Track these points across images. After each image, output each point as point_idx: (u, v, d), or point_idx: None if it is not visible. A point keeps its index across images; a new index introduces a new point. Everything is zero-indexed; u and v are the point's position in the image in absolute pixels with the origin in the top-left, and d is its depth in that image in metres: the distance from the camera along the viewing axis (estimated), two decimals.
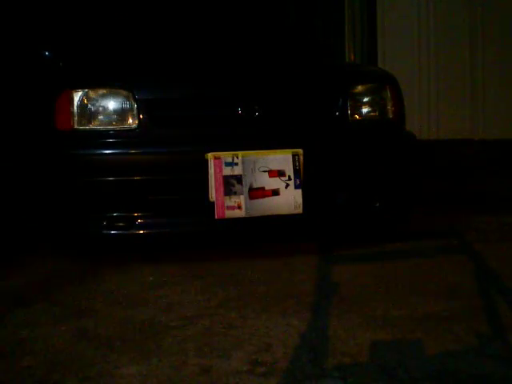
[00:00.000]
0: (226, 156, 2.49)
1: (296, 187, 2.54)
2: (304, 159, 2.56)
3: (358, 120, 2.80)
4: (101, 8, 3.79)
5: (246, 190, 2.49)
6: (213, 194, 2.48)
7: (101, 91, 2.59)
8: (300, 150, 2.56)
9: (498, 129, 4.86)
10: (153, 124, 2.58)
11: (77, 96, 2.55)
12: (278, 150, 2.55)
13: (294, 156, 2.55)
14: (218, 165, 2.48)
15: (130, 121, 2.57)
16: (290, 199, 2.53)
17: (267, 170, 2.53)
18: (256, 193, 2.51)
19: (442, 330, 1.80)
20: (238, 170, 2.49)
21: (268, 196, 2.52)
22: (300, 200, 2.54)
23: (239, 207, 2.48)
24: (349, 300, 2.10)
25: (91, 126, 2.56)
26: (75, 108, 2.54)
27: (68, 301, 2.18)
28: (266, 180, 2.53)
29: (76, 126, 2.55)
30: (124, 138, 2.57)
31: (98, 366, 1.61)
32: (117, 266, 2.65)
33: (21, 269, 2.67)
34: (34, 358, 1.68)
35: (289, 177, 2.54)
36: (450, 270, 2.49)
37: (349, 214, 2.79)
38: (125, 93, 2.57)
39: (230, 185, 2.48)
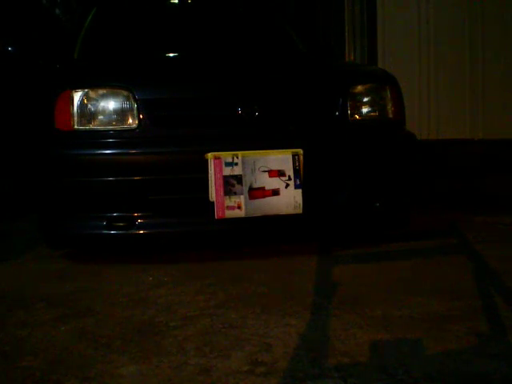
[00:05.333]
0: (226, 156, 2.49)
1: (296, 187, 2.54)
2: (304, 159, 2.55)
3: (357, 120, 2.80)
4: (101, 9, 3.79)
5: (245, 189, 2.49)
6: (213, 194, 2.48)
7: (101, 91, 2.59)
8: (300, 150, 2.56)
9: (497, 129, 4.85)
10: (153, 124, 2.58)
11: (77, 96, 2.55)
12: (278, 150, 2.55)
13: (293, 156, 2.55)
14: (218, 165, 2.48)
15: (130, 121, 2.57)
16: (290, 199, 2.53)
17: (267, 169, 2.53)
18: (256, 193, 2.51)
19: (442, 330, 1.80)
20: (237, 170, 2.49)
21: (268, 196, 2.52)
22: (300, 200, 2.54)
23: (239, 207, 2.48)
24: (349, 300, 2.10)
25: (91, 126, 2.56)
26: (75, 108, 2.54)
27: (68, 301, 2.18)
28: (266, 180, 2.53)
29: (76, 126, 2.55)
30: (124, 138, 2.57)
31: (97, 365, 1.61)
32: (117, 265, 2.65)
33: (21, 269, 2.67)
34: (34, 358, 1.68)
35: (289, 177, 2.54)
36: (450, 270, 2.49)
37: (349, 213, 2.79)
38: (125, 93, 2.57)
39: (230, 185, 2.48)
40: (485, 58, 4.96)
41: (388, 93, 2.86)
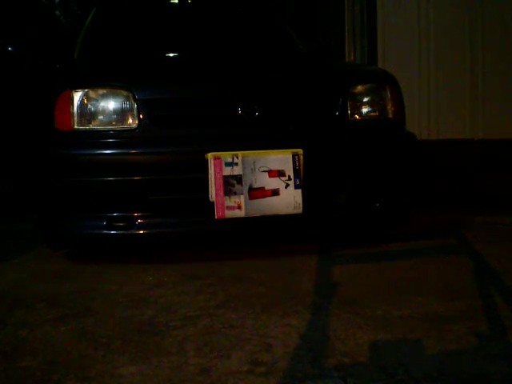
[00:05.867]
0: (226, 156, 2.49)
1: (296, 187, 2.54)
2: (304, 159, 2.55)
3: (357, 120, 2.80)
4: (101, 9, 3.79)
5: (245, 190, 2.49)
6: (213, 194, 2.48)
7: (101, 91, 2.59)
8: (300, 150, 2.56)
9: (498, 129, 4.85)
10: (153, 124, 2.58)
11: (77, 96, 2.55)
12: (278, 150, 2.55)
13: (293, 156, 2.55)
14: (218, 165, 2.48)
15: (130, 121, 2.57)
16: (289, 199, 2.53)
17: (267, 170, 2.53)
18: (256, 193, 2.51)
19: (442, 330, 1.80)
20: (237, 170, 2.49)
21: (268, 196, 2.52)
22: (300, 200, 2.54)
23: (239, 207, 2.48)
24: (349, 300, 2.10)
25: (91, 126, 2.56)
26: (75, 108, 2.54)
27: (68, 301, 2.18)
28: (266, 180, 2.52)
29: (76, 126, 2.55)
30: (124, 138, 2.57)
31: (97, 365, 1.61)
32: (117, 265, 2.65)
33: (21, 269, 2.67)
34: (33, 358, 1.68)
35: (289, 177, 2.54)
36: (450, 269, 2.49)
37: (348, 214, 2.79)
38: (125, 93, 2.57)
39: (230, 185, 2.48)
40: (485, 57, 4.97)
41: (388, 93, 2.86)
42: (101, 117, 2.58)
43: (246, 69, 2.90)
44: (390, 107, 2.85)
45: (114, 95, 2.59)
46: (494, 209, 3.79)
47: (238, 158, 2.50)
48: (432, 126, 5.06)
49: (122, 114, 2.57)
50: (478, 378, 1.50)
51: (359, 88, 2.83)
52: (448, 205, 3.98)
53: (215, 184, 2.47)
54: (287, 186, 2.53)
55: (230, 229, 2.62)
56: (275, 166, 2.54)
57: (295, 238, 3.02)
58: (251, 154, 2.52)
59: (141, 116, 2.56)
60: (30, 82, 3.64)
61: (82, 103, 2.55)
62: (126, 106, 2.57)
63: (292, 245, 2.94)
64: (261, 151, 2.55)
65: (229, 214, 2.48)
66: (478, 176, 4.32)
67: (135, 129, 2.57)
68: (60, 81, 2.76)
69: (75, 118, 2.54)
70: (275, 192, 2.53)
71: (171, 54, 3.39)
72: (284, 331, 1.82)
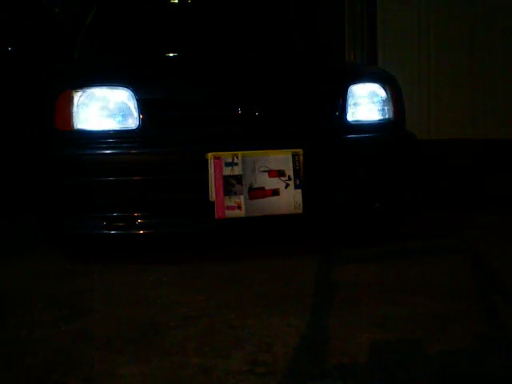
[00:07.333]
0: (226, 156, 2.49)
1: (296, 187, 2.54)
2: (304, 159, 2.55)
3: (357, 120, 2.80)
4: (101, 8, 3.80)
5: (245, 189, 2.49)
6: (213, 194, 2.48)
7: (101, 91, 2.59)
8: (300, 150, 2.56)
9: (497, 129, 4.86)
10: (153, 124, 2.58)
11: (77, 96, 2.55)
12: (278, 150, 2.55)
13: (293, 156, 2.55)
14: (218, 165, 2.48)
15: (130, 121, 2.57)
16: (289, 199, 2.53)
17: (267, 169, 2.53)
18: (256, 193, 2.51)
19: (442, 330, 1.80)
20: (237, 170, 2.49)
21: (268, 196, 2.52)
22: (300, 200, 2.54)
23: (239, 207, 2.48)
24: (349, 300, 2.10)
25: (91, 126, 2.56)
26: (75, 108, 2.54)
27: (68, 301, 2.18)
28: (266, 180, 2.53)
29: (76, 126, 2.55)
30: (124, 138, 2.57)
31: (97, 366, 1.61)
32: (117, 265, 2.65)
33: (21, 269, 2.67)
34: (34, 358, 1.68)
35: (289, 177, 2.54)
36: (450, 269, 2.49)
37: (349, 213, 2.79)
38: (125, 93, 2.57)
39: (230, 185, 2.48)
40: (484, 57, 4.97)
41: (388, 93, 2.86)
42: (101, 117, 2.57)
43: (246, 69, 2.90)
44: (390, 107, 2.85)
45: (114, 95, 2.59)
46: (494, 209, 3.79)
47: (237, 158, 2.50)
48: (432, 126, 5.07)
49: (122, 114, 2.57)
50: (478, 377, 1.50)
51: (359, 88, 2.82)
52: (448, 205, 3.98)
53: (215, 184, 2.47)
54: (287, 185, 2.54)
55: (230, 229, 2.62)
56: (275, 166, 2.54)
57: (295, 237, 3.02)
58: (251, 154, 2.52)
59: (141, 116, 2.56)
60: (30, 82, 3.64)
61: (82, 103, 2.55)
62: (126, 105, 2.57)
63: (292, 245, 2.94)
64: (261, 151, 2.55)
65: (229, 214, 2.48)
66: (478, 176, 4.32)
67: (135, 129, 2.57)
68: (60, 81, 2.76)
69: (75, 118, 2.54)
70: (275, 192, 2.53)
71: (171, 54, 3.39)
72: (284, 331, 1.82)
